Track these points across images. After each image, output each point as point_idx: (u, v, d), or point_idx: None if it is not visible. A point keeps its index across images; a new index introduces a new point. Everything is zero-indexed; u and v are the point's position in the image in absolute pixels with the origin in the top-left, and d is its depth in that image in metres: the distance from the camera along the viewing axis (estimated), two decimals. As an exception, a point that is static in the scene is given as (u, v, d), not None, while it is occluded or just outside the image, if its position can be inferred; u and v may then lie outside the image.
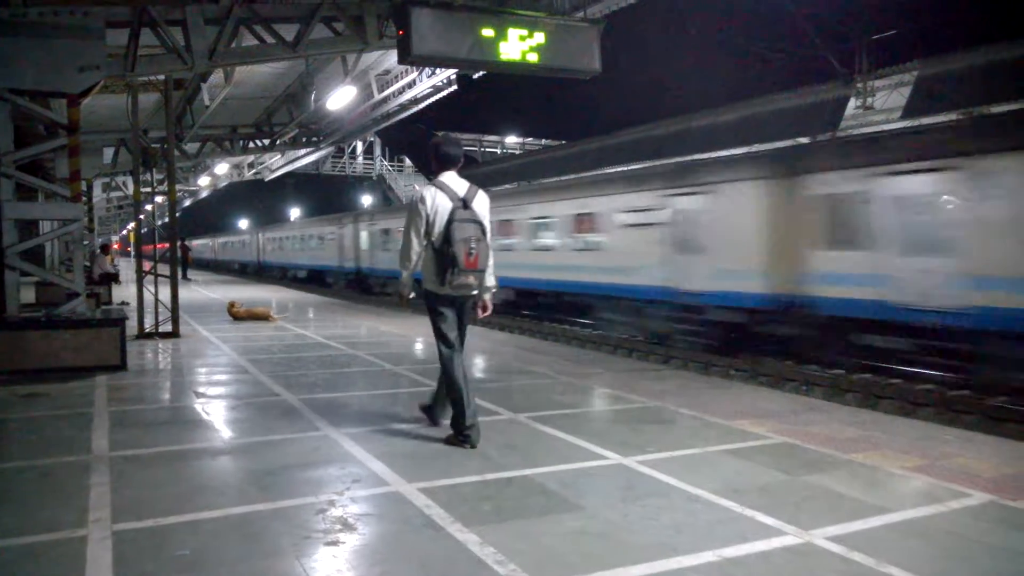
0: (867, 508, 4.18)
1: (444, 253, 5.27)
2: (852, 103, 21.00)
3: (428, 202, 5.35)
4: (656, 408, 6.88)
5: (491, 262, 5.49)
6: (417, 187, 45.92)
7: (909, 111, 18.47)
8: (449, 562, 3.46)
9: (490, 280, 5.54)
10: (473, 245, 5.26)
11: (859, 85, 20.94)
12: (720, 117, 24.43)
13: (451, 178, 5.49)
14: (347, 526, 3.89)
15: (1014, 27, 18.40)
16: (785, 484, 4.65)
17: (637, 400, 7.23)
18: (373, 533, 3.84)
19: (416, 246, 5.41)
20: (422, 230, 5.37)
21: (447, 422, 5.68)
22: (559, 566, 3.42)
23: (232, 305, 15.13)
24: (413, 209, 5.41)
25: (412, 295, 5.71)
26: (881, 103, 20.55)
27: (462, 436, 5.41)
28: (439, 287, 5.39)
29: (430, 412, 6.06)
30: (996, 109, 13.94)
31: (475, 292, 5.49)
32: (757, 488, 4.52)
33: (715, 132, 23.64)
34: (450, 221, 5.27)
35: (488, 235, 5.44)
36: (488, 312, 5.64)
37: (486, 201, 5.56)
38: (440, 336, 5.56)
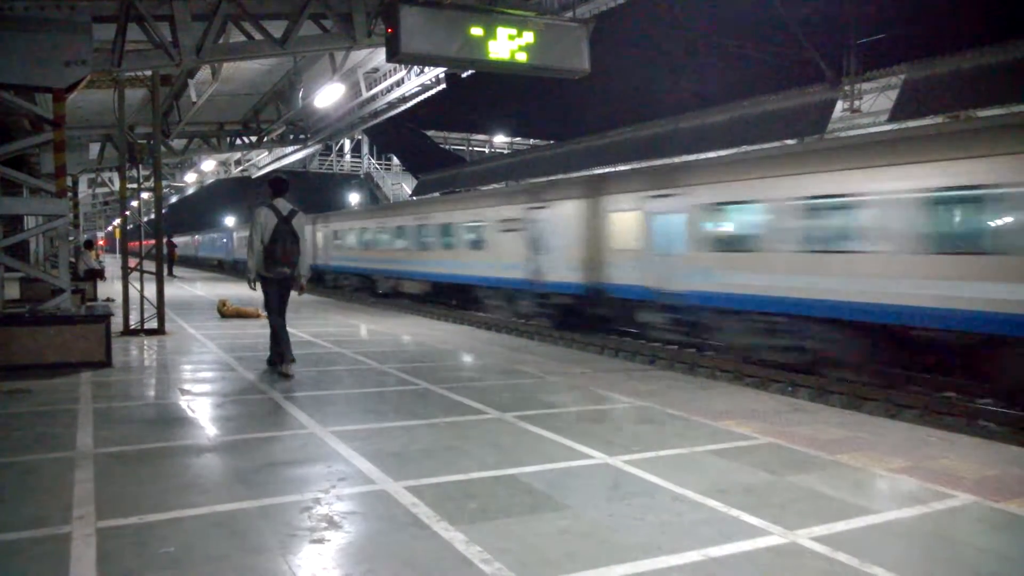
0: (851, 509, 4.21)
1: (270, 251, 8.11)
2: (840, 106, 21.11)
3: (262, 218, 8.18)
4: (642, 408, 6.90)
5: (304, 258, 8.41)
6: (405, 186, 45.93)
7: (896, 114, 18.59)
8: (435, 560, 3.46)
9: (303, 269, 8.46)
10: (288, 246, 8.16)
11: (846, 88, 21.06)
12: (708, 119, 24.51)
13: (280, 202, 8.29)
14: (333, 524, 3.88)
15: (1001, 31, 18.55)
16: (770, 484, 4.67)
17: (623, 400, 7.25)
18: (359, 531, 3.84)
19: (256, 245, 8.15)
20: (258, 235, 8.12)
21: (286, 370, 8.21)
22: (544, 565, 3.42)
23: (223, 304, 15.08)
24: (254, 221, 8.27)
25: (255, 278, 8.34)
26: (868, 106, 20.68)
27: (281, 372, 8.25)
28: (266, 272, 8.28)
29: (273, 365, 8.58)
30: (982, 113, 14.05)
31: (289, 276, 8.36)
32: (742, 488, 4.54)
33: (704, 133, 23.71)
34: (275, 231, 8.10)
35: (301, 241, 8.30)
36: (303, 291, 8.84)
37: (303, 219, 8.48)
38: (268, 306, 8.48)
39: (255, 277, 8.29)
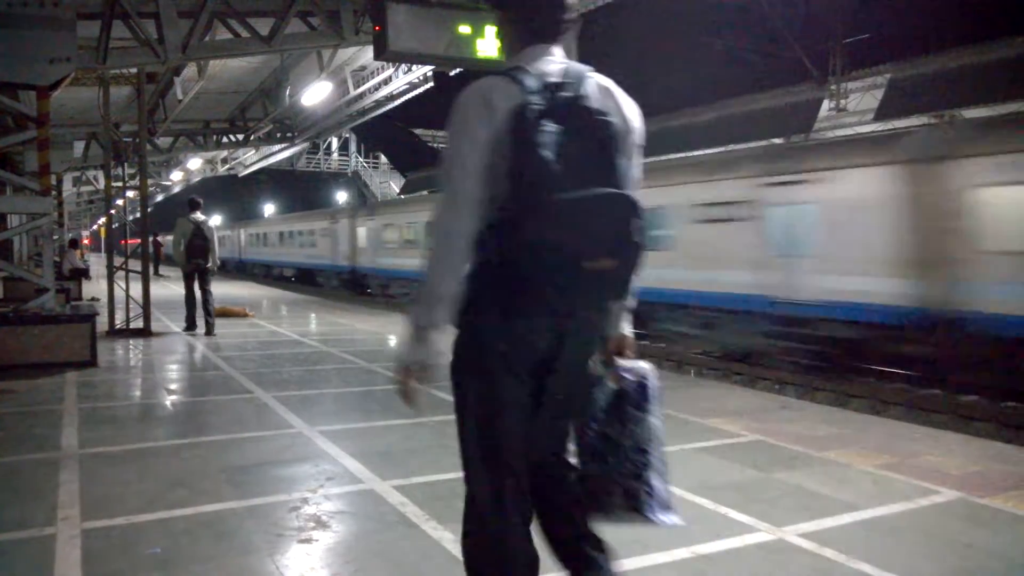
0: (838, 505, 4.23)
1: (188, 249, 11.53)
2: (826, 105, 21.23)
3: (182, 225, 11.61)
4: (631, 406, 6.90)
5: (215, 255, 11.85)
6: (392, 184, 45.84)
7: (881, 113, 18.70)
8: (423, 559, 3.45)
9: (214, 263, 11.87)
10: (200, 246, 11.58)
11: (832, 87, 21.17)
12: (696, 117, 24.58)
13: (196, 215, 11.59)
14: (321, 524, 3.87)
15: (985, 31, 18.68)
16: (758, 481, 4.69)
17: (612, 398, 7.24)
18: (347, 531, 3.82)
19: (180, 247, 11.56)
20: (180, 239, 11.54)
21: (200, 331, 11.72)
22: (534, 563, 3.42)
23: None
24: (177, 228, 11.70)
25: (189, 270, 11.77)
26: (854, 105, 20.80)
27: (190, 330, 11.88)
28: (186, 266, 11.72)
29: (188, 328, 12.02)
30: (967, 113, 14.15)
31: (202, 267, 11.69)
32: (730, 485, 4.55)
33: (691, 132, 23.78)
34: (193, 235, 11.54)
35: (212, 241, 11.75)
36: (214, 273, 11.97)
37: (212, 225, 11.89)
38: (187, 287, 11.95)
39: (185, 267, 11.82)
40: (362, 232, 29.28)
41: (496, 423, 2.16)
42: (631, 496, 2.28)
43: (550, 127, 2.04)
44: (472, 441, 2.22)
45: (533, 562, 2.21)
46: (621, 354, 2.43)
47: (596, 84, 2.23)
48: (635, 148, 2.27)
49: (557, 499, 2.34)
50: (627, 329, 2.45)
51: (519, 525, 2.22)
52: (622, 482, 2.28)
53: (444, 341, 2.17)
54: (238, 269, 47.65)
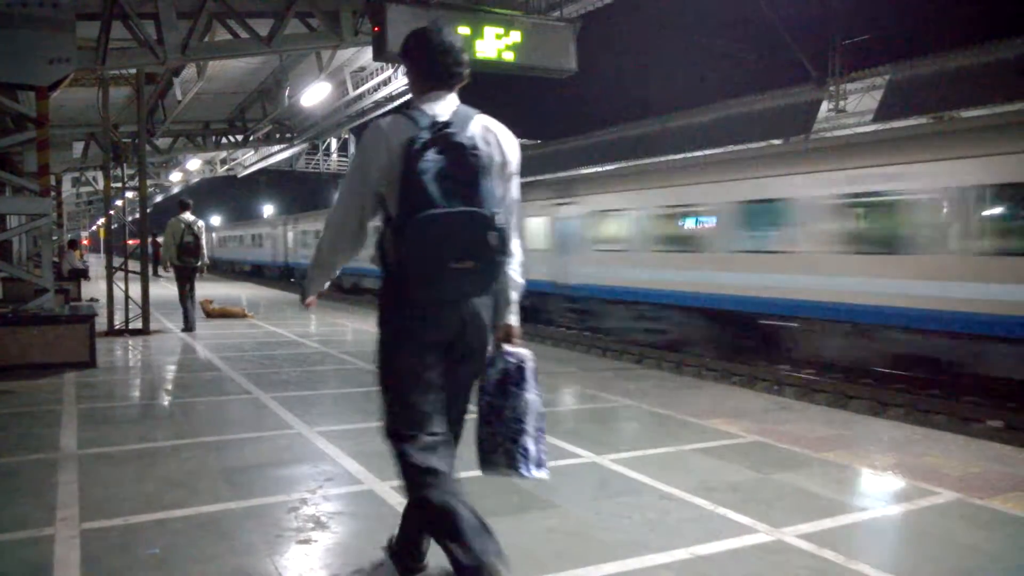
0: (837, 506, 4.23)
1: (180, 248, 11.88)
2: (825, 106, 21.21)
3: (173, 226, 11.90)
4: (629, 407, 6.91)
5: (204, 253, 12.20)
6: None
7: (880, 114, 18.70)
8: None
9: (203, 263, 12.28)
10: (191, 245, 11.91)
11: (832, 88, 21.17)
12: (695, 118, 24.56)
13: (186, 215, 11.97)
14: (320, 524, 3.87)
15: (984, 33, 18.70)
16: (757, 482, 4.69)
17: (611, 399, 7.26)
18: (346, 531, 3.82)
19: (172, 247, 11.92)
20: (171, 239, 11.86)
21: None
22: (532, 564, 3.42)
23: (208, 302, 15.00)
24: (168, 228, 11.97)
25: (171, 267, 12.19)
26: (853, 106, 20.79)
27: (189, 330, 12.12)
28: (177, 262, 12.01)
29: (186, 328, 12.15)
30: (965, 114, 14.16)
31: (194, 266, 12.12)
32: (729, 486, 4.55)
33: (690, 133, 23.77)
34: (183, 234, 11.86)
35: (201, 240, 12.03)
36: (203, 272, 12.59)
37: (202, 227, 12.18)
38: (180, 287, 12.20)
39: (167, 265, 12.26)
40: (291, 235, 41.01)
41: (397, 387, 2.88)
42: (509, 455, 2.94)
43: (431, 156, 2.63)
44: (381, 384, 2.97)
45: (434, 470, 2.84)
46: (508, 340, 2.97)
47: (481, 124, 2.83)
48: (510, 175, 2.89)
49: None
50: (514, 320, 3.00)
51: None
52: (503, 444, 2.94)
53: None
54: (284, 275, 42.42)
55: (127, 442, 5.45)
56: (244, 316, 14.55)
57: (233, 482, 4.54)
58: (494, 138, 2.83)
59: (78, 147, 20.14)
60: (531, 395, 2.93)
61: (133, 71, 11.84)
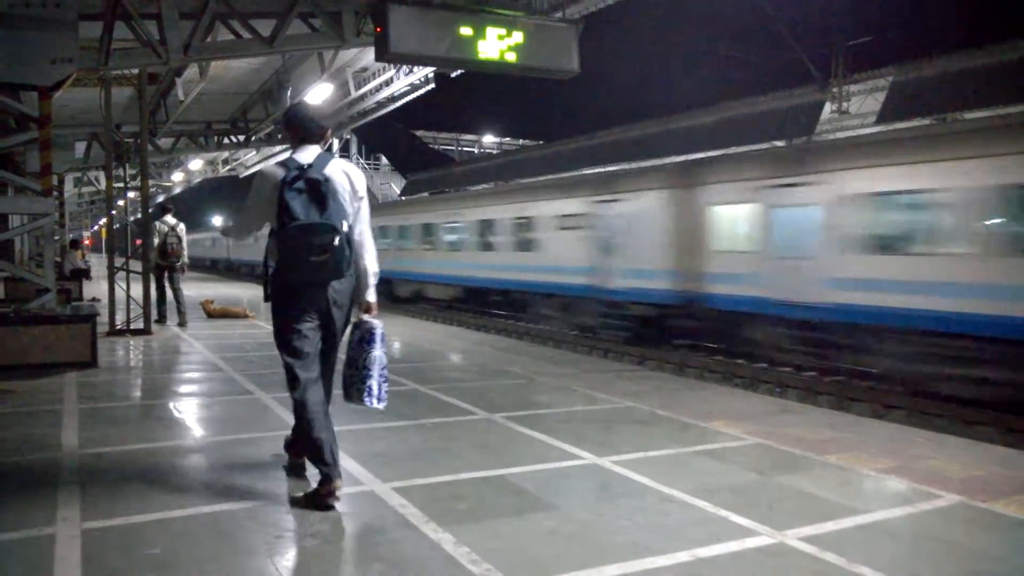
0: (839, 509, 4.22)
1: (161, 249, 12.60)
2: (828, 107, 21.20)
3: (158, 227, 12.64)
4: (631, 409, 6.90)
5: (184, 254, 12.94)
6: (394, 186, 45.85)
7: (883, 116, 18.68)
8: (423, 561, 3.45)
9: (183, 262, 12.96)
10: (173, 246, 12.63)
11: (835, 90, 21.15)
12: (698, 120, 24.56)
13: (168, 218, 12.79)
14: (320, 525, 3.86)
15: (988, 35, 18.68)
16: (758, 485, 4.68)
17: (613, 401, 7.25)
18: (347, 532, 3.82)
19: (156, 247, 12.58)
20: (156, 239, 12.54)
21: (172, 323, 12.89)
22: (533, 566, 3.42)
23: (209, 302, 15.00)
24: (156, 229, 12.69)
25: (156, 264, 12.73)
26: (856, 108, 20.77)
27: (160, 322, 12.60)
28: (160, 261, 12.63)
29: (159, 321, 12.65)
30: (968, 116, 14.15)
31: (174, 264, 12.81)
32: (731, 488, 4.54)
33: (693, 134, 23.76)
34: (166, 236, 12.58)
35: (183, 241, 12.82)
36: (184, 272, 13.30)
37: (183, 227, 12.94)
38: (158, 285, 12.80)
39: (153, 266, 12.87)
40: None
41: (282, 336, 4.25)
42: (359, 392, 4.28)
43: (296, 187, 3.99)
44: (275, 338, 4.31)
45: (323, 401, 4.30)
46: (368, 312, 4.35)
47: (336, 165, 4.20)
48: (361, 198, 4.25)
49: (326, 382, 4.43)
50: (371, 297, 4.36)
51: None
52: (356, 383, 4.29)
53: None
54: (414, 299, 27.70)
55: (128, 442, 5.45)
56: (245, 316, 14.54)
57: (233, 482, 4.54)
58: (345, 175, 4.17)
59: (80, 147, 20.15)
60: (377, 352, 4.25)
61: (135, 71, 11.84)
